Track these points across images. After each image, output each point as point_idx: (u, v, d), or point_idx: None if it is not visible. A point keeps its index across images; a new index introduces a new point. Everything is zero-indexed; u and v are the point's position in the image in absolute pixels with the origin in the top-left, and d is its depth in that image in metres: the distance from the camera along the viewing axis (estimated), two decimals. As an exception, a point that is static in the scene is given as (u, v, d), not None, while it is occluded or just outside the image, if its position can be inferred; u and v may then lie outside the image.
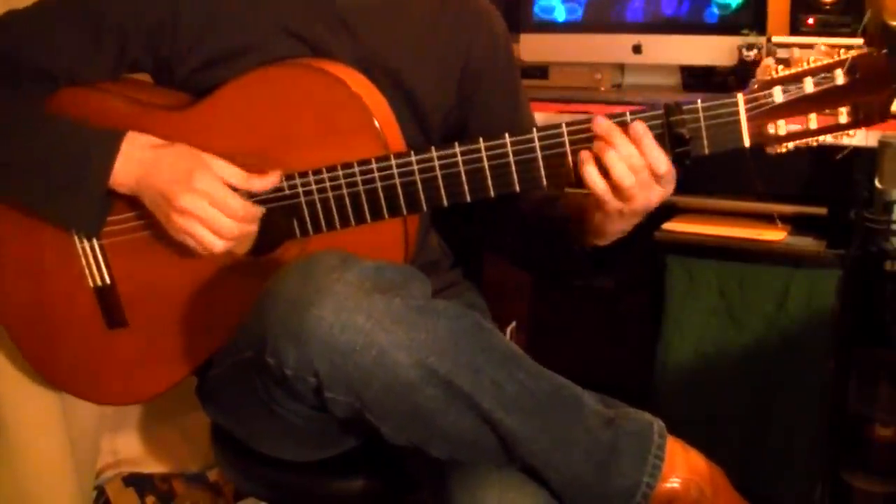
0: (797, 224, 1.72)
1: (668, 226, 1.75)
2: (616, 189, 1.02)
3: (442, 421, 0.96)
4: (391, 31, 1.22)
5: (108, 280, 1.20)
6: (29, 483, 1.46)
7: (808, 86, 0.98)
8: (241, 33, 1.16)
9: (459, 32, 1.26)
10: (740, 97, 1.00)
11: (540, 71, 2.01)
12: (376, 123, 1.10)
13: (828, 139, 1.02)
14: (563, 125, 1.04)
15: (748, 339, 1.72)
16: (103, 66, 1.17)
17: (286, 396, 1.00)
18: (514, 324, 1.91)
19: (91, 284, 1.20)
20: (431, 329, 0.95)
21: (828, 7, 1.78)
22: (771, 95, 0.99)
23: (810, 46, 1.73)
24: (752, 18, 1.83)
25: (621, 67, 2.04)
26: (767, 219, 1.74)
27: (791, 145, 1.01)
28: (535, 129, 1.06)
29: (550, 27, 2.03)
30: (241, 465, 1.26)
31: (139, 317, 1.20)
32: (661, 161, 1.01)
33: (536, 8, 2.04)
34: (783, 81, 0.99)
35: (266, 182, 1.11)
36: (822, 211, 1.69)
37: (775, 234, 1.69)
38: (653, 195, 1.04)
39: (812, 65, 0.99)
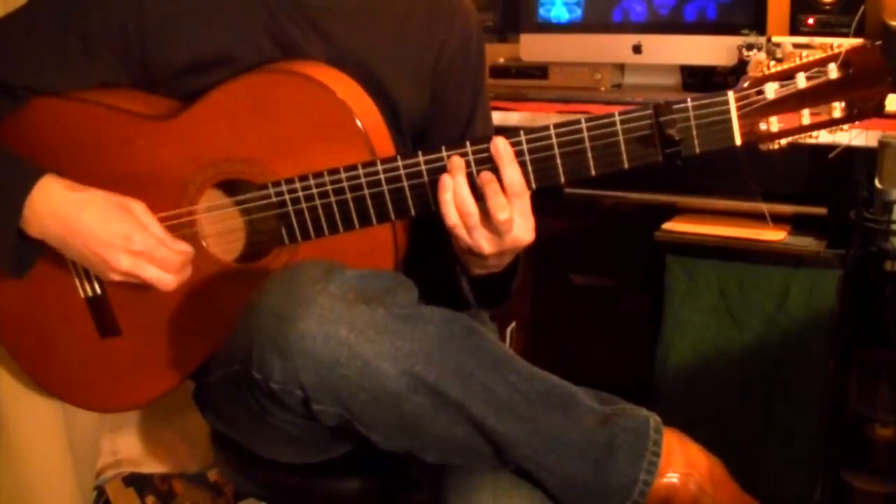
0: (797, 224, 1.72)
1: (668, 226, 1.75)
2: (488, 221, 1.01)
3: (432, 428, 0.96)
4: (364, 33, 1.20)
5: (98, 290, 1.19)
6: (29, 483, 1.46)
7: (801, 81, 0.97)
8: (213, 37, 1.13)
9: (432, 30, 1.24)
10: (731, 95, 0.99)
11: (540, 71, 2.01)
12: (362, 129, 1.08)
13: (822, 135, 1.00)
14: (551, 127, 1.03)
15: (748, 339, 1.72)
16: (72, 76, 1.14)
17: (276, 408, 0.99)
18: (514, 324, 1.91)
19: (82, 295, 1.20)
20: (418, 337, 0.95)
21: (828, 7, 1.78)
22: (763, 92, 0.98)
23: (810, 46, 1.74)
24: (751, 18, 1.83)
25: (621, 67, 2.03)
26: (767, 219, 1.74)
27: (784, 142, 1.00)
28: (521, 132, 1.03)
29: (550, 27, 2.03)
30: (241, 465, 1.25)
31: (132, 324, 1.20)
32: (517, 181, 1.01)
33: (539, 8, 2.04)
34: (775, 77, 0.98)
35: (181, 247, 1.12)
36: (822, 211, 1.69)
37: (775, 234, 1.69)
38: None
39: (805, 60, 0.97)
